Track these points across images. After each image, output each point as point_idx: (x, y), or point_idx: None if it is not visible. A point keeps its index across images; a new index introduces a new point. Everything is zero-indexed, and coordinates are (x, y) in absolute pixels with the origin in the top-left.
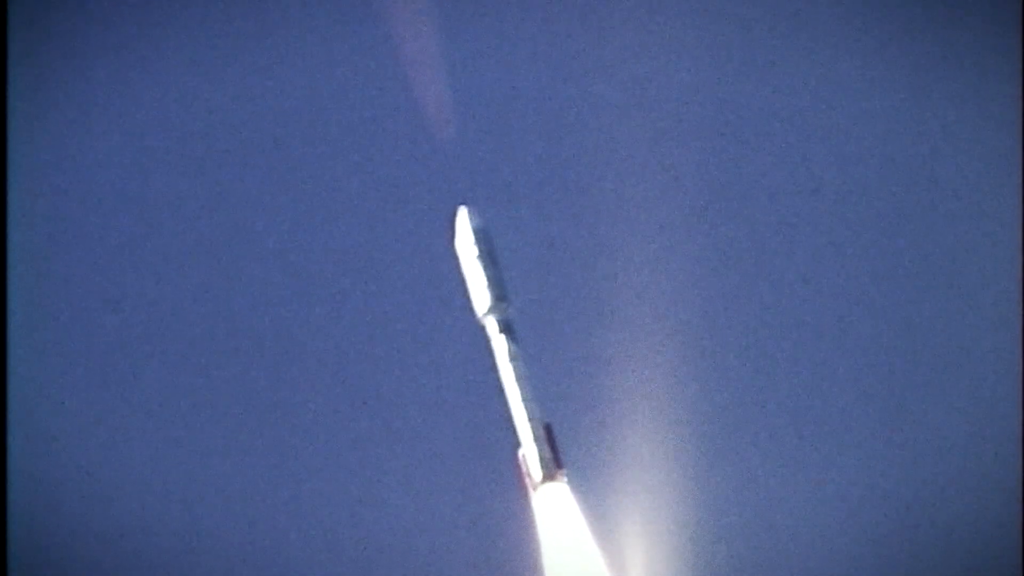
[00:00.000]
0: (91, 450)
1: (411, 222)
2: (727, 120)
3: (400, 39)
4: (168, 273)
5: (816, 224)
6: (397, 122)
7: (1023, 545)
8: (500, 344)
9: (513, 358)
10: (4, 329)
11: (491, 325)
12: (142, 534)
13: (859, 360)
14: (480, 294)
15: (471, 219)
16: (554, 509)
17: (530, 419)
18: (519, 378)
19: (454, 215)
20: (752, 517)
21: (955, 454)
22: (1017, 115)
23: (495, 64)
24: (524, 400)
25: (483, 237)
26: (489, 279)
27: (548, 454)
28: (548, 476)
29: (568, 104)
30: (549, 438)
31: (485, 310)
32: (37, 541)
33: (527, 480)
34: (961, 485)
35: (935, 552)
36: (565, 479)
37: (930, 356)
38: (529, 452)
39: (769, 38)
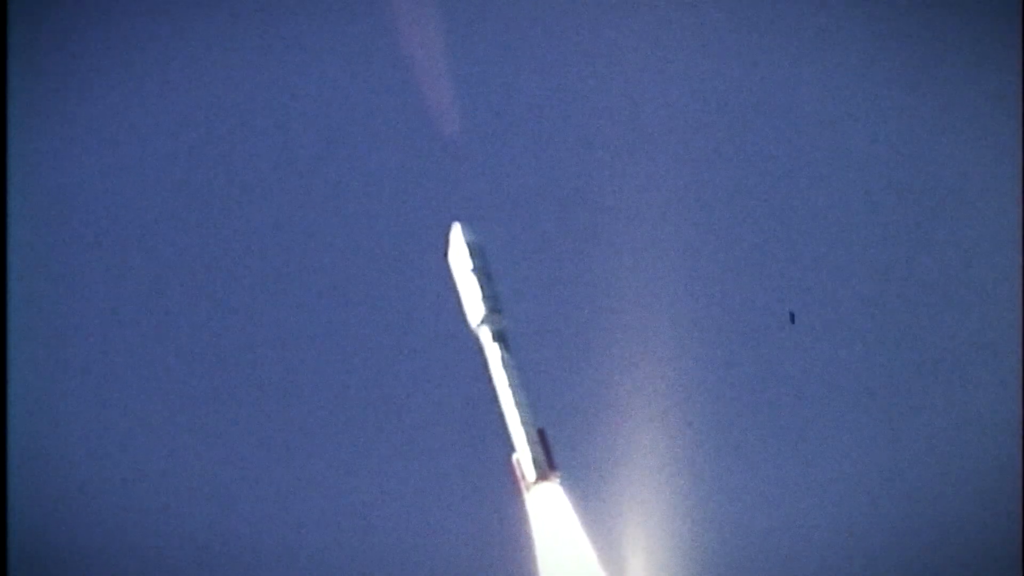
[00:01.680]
0: (91, 450)
1: (408, 237)
2: (722, 127)
3: (402, 59)
4: (168, 278)
5: (814, 226)
6: (396, 142)
7: (1023, 545)
8: (494, 353)
9: (507, 366)
10: (4, 329)
11: (485, 335)
12: (141, 534)
13: (853, 359)
14: (474, 306)
15: (465, 234)
16: (547, 507)
17: (523, 423)
18: (512, 385)
19: (448, 231)
20: (750, 515)
21: (955, 454)
22: (1017, 115)
23: (492, 84)
24: (518, 405)
25: (477, 252)
26: (483, 292)
27: (541, 456)
28: (541, 477)
29: (559, 121)
30: (542, 441)
31: (479, 321)
32: (37, 541)
33: (521, 482)
34: (961, 485)
35: (935, 552)
36: (557, 479)
37: (930, 356)
38: (523, 455)
39: (769, 40)
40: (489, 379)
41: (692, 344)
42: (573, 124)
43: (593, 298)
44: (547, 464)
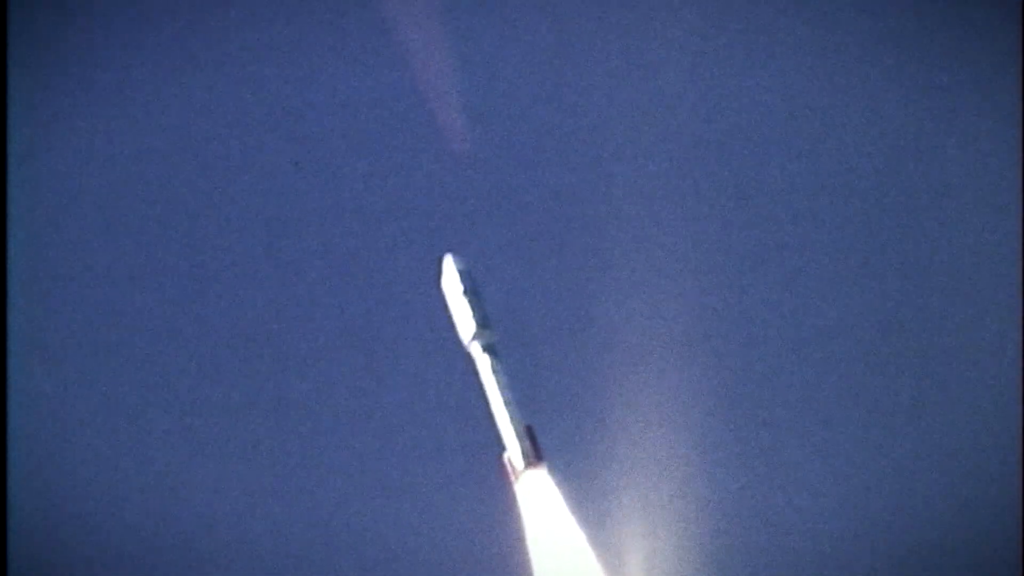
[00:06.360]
0: (91, 451)
1: (405, 267)
2: (715, 129)
3: (398, 72)
4: (167, 280)
5: (810, 226)
6: (390, 178)
7: (1023, 545)
8: (484, 361)
9: (496, 372)
10: (4, 329)
11: (476, 349)
12: (141, 535)
13: (851, 358)
14: (466, 324)
15: (456, 263)
16: (535, 492)
17: (512, 420)
18: (501, 387)
19: (441, 260)
20: (738, 503)
21: (955, 454)
22: (1017, 115)
23: (480, 107)
24: (507, 404)
25: (467, 277)
26: (473, 311)
27: (529, 448)
28: (529, 466)
29: (547, 137)
30: (529, 435)
31: (471, 337)
32: (37, 541)
33: (511, 475)
34: (961, 485)
35: (935, 552)
36: (544, 468)
37: (930, 356)
38: (512, 448)
39: (767, 42)
40: (481, 387)
41: (674, 345)
42: (561, 139)
43: (577, 309)
44: (534, 454)
